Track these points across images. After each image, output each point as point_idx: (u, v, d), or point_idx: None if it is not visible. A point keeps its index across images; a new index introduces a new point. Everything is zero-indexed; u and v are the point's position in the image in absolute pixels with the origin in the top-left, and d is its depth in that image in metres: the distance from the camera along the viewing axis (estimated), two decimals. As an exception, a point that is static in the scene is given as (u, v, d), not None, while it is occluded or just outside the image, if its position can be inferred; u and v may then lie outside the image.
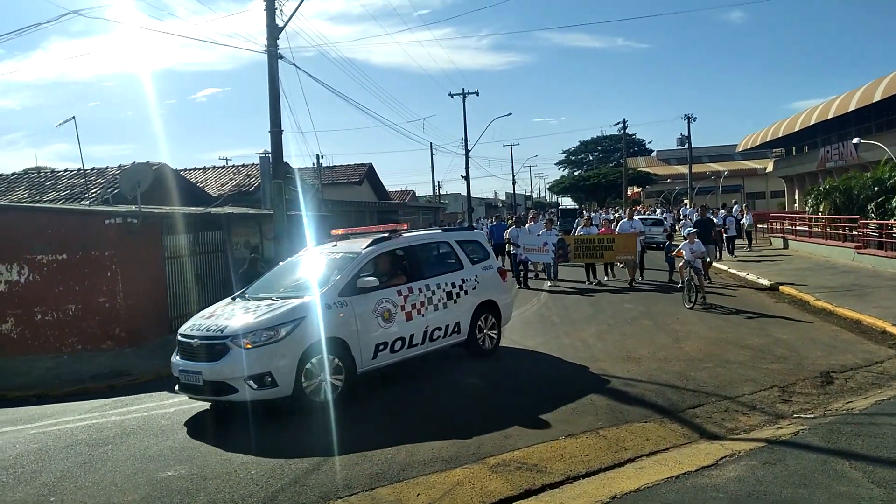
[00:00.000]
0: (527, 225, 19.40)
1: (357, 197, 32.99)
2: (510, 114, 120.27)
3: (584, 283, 16.84)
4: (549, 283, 17.14)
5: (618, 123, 60.38)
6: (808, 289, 13.47)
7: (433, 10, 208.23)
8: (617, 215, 26.79)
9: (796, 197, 46.26)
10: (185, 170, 24.64)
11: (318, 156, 25.17)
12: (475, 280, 9.37)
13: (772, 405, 6.77)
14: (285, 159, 17.41)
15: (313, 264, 8.74)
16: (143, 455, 6.37)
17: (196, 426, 7.27)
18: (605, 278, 17.45)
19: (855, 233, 19.07)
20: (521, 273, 17.34)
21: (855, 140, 32.66)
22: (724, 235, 21.99)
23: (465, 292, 9.14)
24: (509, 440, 6.08)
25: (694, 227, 15.39)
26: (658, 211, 36.92)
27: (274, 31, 16.57)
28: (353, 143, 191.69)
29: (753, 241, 25.99)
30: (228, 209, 18.00)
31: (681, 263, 12.92)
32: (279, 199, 16.69)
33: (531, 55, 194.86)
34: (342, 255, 8.51)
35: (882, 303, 11.37)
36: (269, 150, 20.55)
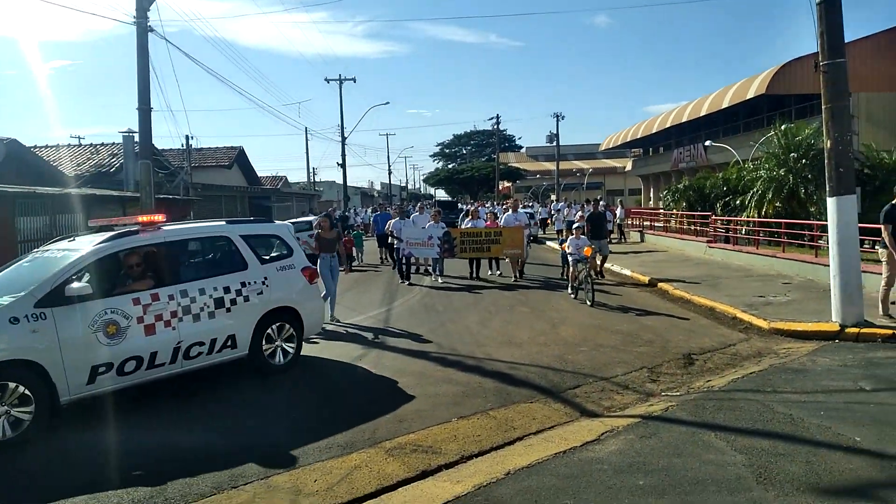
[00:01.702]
0: (412, 216, 18.65)
1: (226, 181, 31.72)
2: (388, 102, 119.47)
3: (469, 278, 16.27)
4: (432, 279, 16.37)
5: (491, 119, 62.14)
6: (668, 279, 14.55)
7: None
8: (503, 207, 26.25)
9: (651, 195, 49.69)
10: (36, 147, 22.53)
11: (187, 137, 23.96)
12: (263, 282, 7.96)
13: (642, 384, 7.30)
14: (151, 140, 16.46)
15: (26, 265, 7.34)
16: None
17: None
18: (490, 273, 16.99)
19: (707, 228, 20.81)
20: (405, 267, 16.40)
21: (706, 143, 35.58)
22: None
23: (246, 298, 7.72)
24: (403, 424, 6.16)
25: (587, 222, 15.37)
26: (533, 205, 38.27)
27: (143, 2, 15.56)
28: (223, 125, 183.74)
29: (624, 237, 27.67)
30: (89, 191, 16.69)
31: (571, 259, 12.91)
32: (147, 181, 15.74)
33: (406, 45, 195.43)
34: (62, 254, 7.00)
35: (732, 291, 12.52)
36: (135, 128, 19.40)
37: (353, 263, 20.41)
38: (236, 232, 8.16)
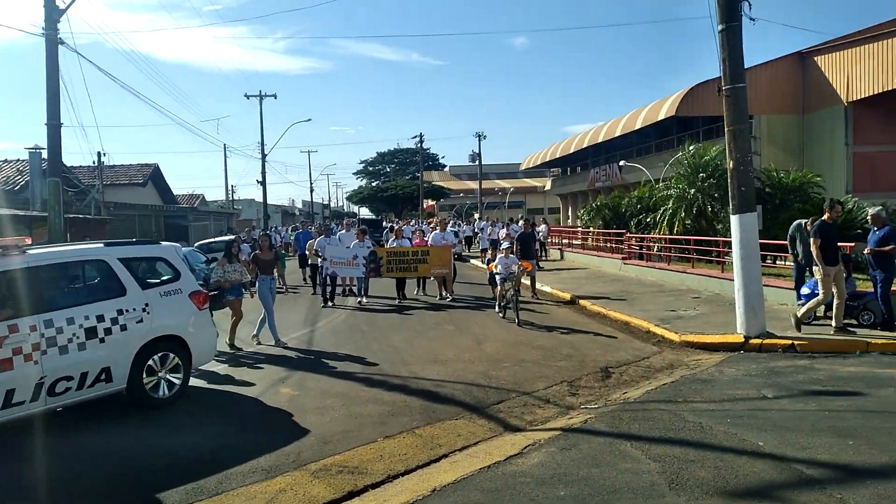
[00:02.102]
0: (337, 235, 18.01)
1: (141, 199, 30.59)
2: (309, 119, 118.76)
3: (396, 299, 15.66)
4: (357, 300, 15.72)
5: (415, 137, 62.51)
6: (586, 296, 15.03)
7: (225, 6, 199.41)
8: (431, 226, 25.60)
9: (570, 213, 51.17)
10: (-72, 162, 21.16)
11: (99, 153, 22.95)
12: (144, 310, 7.44)
13: (562, 398, 7.53)
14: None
15: None
16: None
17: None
18: (416, 292, 16.61)
19: (621, 245, 21.62)
20: (329, 288, 15.82)
21: (621, 163, 37.04)
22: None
23: (123, 327, 7.19)
24: (328, 445, 6.13)
25: (517, 241, 15.36)
26: (459, 223, 38.60)
27: (54, 12, 14.98)
28: (138, 142, 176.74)
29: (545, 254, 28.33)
30: (-10, 209, 15.79)
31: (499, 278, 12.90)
32: (56, 200, 15.08)
33: (328, 62, 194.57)
34: None
35: (645, 306, 13.06)
36: (42, 144, 18.52)
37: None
38: (114, 255, 7.57)
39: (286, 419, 7.03)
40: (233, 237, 24.69)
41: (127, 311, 7.30)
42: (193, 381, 8.37)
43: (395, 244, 16.71)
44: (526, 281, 15.52)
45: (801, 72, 30.15)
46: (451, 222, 30.42)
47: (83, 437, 6.73)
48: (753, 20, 10.05)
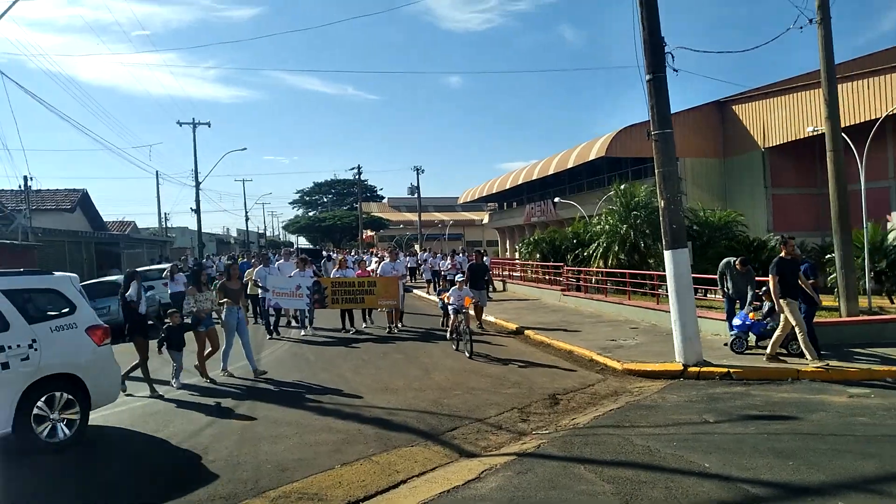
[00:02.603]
0: (276, 264, 17.52)
1: (69, 226, 29.44)
2: (244, 148, 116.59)
3: (342, 330, 15.38)
4: (302, 332, 15.19)
5: (353, 168, 62.71)
6: (527, 325, 15.35)
7: (154, 32, 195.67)
8: (375, 257, 24.82)
9: (507, 246, 52.06)
10: None
11: (26, 177, 22.09)
12: (31, 346, 6.85)
13: (514, 424, 7.69)
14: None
15: None
16: None
17: None
18: (364, 325, 16.17)
19: (560, 277, 22.17)
20: (273, 318, 15.44)
21: (555, 199, 38.08)
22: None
23: (5, 365, 6.59)
24: (286, 473, 6.09)
25: (468, 272, 15.39)
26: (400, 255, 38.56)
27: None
28: (65, 167, 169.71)
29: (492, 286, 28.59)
30: None
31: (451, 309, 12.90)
32: (-18, 224, 14.41)
33: (262, 92, 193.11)
34: None
35: (587, 336, 13.45)
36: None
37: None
38: None
39: (240, 447, 6.93)
40: (167, 266, 24.04)
41: (10, 347, 6.68)
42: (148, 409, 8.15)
43: (338, 274, 16.35)
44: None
45: (720, 119, 32.06)
46: (412, 254, 29.69)
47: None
48: (677, 71, 10.73)
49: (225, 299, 10.86)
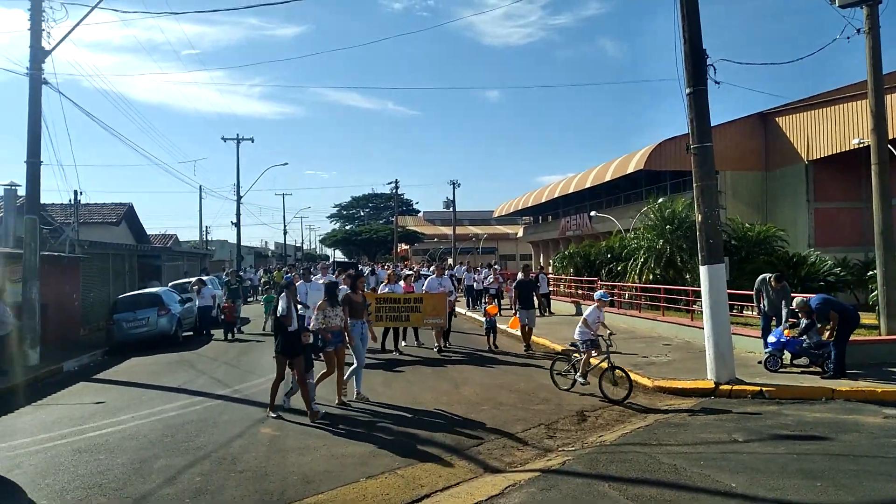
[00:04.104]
0: (315, 279, 15.89)
1: (114, 238, 30.30)
2: (286, 163, 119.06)
3: (383, 351, 14.23)
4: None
5: (390, 183, 63.33)
6: (559, 340, 15.23)
7: (203, 51, 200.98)
8: (411, 270, 21.94)
9: (541, 260, 51.77)
10: None
11: (76, 192, 22.88)
12: None
13: (541, 440, 7.67)
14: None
15: None
16: None
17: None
18: (404, 343, 15.05)
19: (594, 293, 21.98)
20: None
21: (591, 213, 37.80)
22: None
23: None
24: (311, 485, 6.19)
25: (515, 289, 14.46)
26: (430, 268, 38.63)
27: (39, 53, 15.20)
28: (113, 181, 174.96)
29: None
30: (-37, 245, 15.60)
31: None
32: (32, 237, 15.00)
33: (304, 108, 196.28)
34: None
35: (618, 352, 13.27)
36: (17, 181, 18.48)
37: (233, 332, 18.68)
38: None
39: (268, 458, 7.06)
40: (206, 278, 24.47)
41: None
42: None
43: (386, 289, 14.79)
44: (512, 330, 15.07)
45: (763, 131, 31.44)
46: (448, 267, 27.35)
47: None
48: (718, 83, 10.64)
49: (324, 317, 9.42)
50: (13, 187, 18.52)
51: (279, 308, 8.92)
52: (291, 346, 8.85)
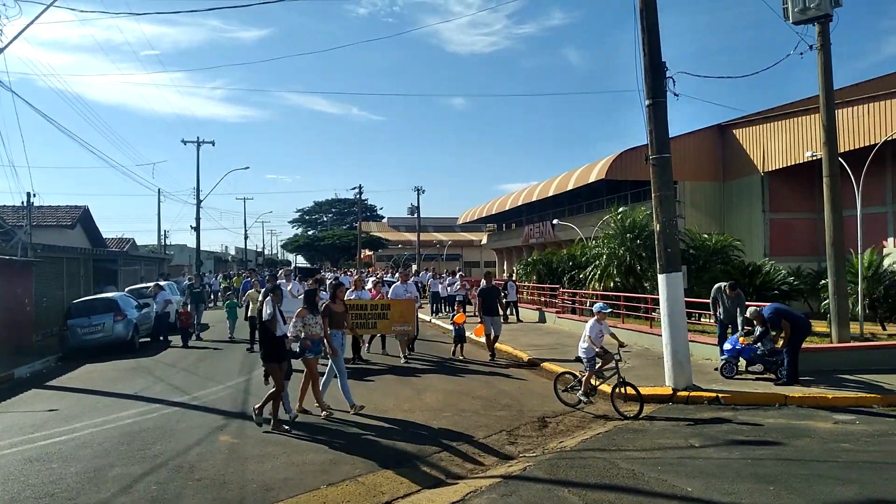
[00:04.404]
0: (288, 288, 14.54)
1: (69, 242, 29.48)
2: (247, 167, 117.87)
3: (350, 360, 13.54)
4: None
5: (354, 188, 63.04)
6: (521, 347, 15.35)
7: (163, 51, 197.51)
8: (375, 277, 22.13)
9: (505, 267, 52.09)
10: None
11: (29, 194, 22.24)
12: None
13: (502, 446, 7.72)
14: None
15: None
16: None
17: None
18: (367, 352, 14.91)
19: (555, 300, 22.21)
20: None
21: (554, 221, 38.21)
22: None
23: None
24: (271, 493, 6.12)
25: (479, 296, 14.43)
26: (394, 274, 38.49)
27: (-10, 51, 14.75)
28: (68, 184, 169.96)
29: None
30: None
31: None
32: (-19, 240, 14.50)
33: (267, 111, 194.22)
34: None
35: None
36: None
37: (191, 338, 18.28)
38: None
39: (226, 466, 6.95)
40: (164, 283, 24.01)
41: None
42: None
43: (353, 296, 14.28)
44: (476, 337, 15.12)
45: (721, 143, 32.25)
46: (413, 273, 27.29)
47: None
48: (677, 95, 10.89)
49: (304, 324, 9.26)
50: (-38, 188, 17.89)
51: (265, 313, 8.62)
52: (277, 352, 8.66)
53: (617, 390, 9.22)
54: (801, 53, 13.39)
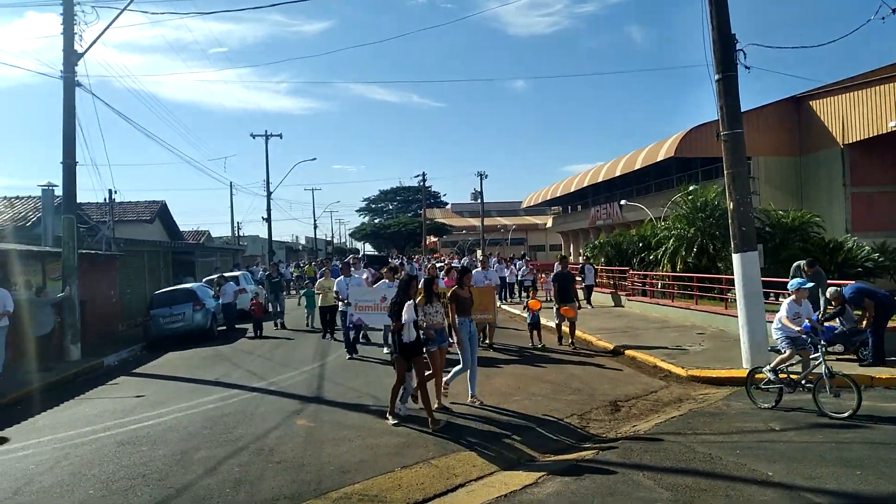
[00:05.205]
0: (364, 276, 14.88)
1: (148, 236, 30.88)
2: (314, 158, 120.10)
3: None
4: (385, 352, 13.23)
5: (417, 176, 63.24)
6: (591, 330, 15.19)
7: (230, 48, 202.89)
8: (453, 263, 21.09)
9: (571, 250, 51.44)
10: (-58, 200, 21.50)
11: (110, 191, 23.38)
12: None
13: (574, 430, 7.68)
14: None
15: None
16: None
17: None
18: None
19: (625, 282, 21.83)
20: (353, 337, 13.40)
21: (621, 202, 37.44)
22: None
23: None
24: (348, 475, 6.28)
25: (554, 282, 14.03)
26: (465, 259, 38.47)
27: (72, 56, 15.52)
28: (146, 180, 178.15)
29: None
30: (6, 245, 16.06)
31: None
32: (70, 236, 15.36)
33: (331, 103, 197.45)
34: None
35: (651, 342, 13.22)
36: (54, 181, 18.91)
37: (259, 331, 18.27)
38: None
39: (303, 449, 7.18)
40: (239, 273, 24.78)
41: None
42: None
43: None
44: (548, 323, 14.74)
45: (796, 116, 30.80)
46: (494, 259, 25.45)
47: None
48: (748, 68, 10.47)
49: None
50: (50, 187, 18.97)
51: (404, 319, 7.99)
52: (411, 347, 8.09)
53: (823, 383, 7.56)
54: (883, 18, 12.62)
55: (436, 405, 8.52)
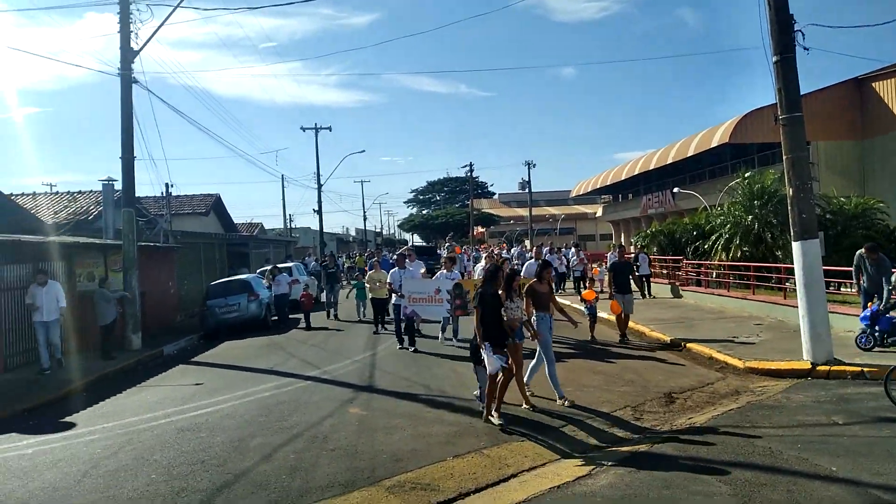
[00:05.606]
0: (422, 270, 14.65)
1: (203, 228, 31.72)
2: (363, 151, 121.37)
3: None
4: (440, 339, 13.41)
5: (465, 166, 63.27)
6: (644, 321, 14.93)
7: (279, 42, 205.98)
8: (503, 254, 21.33)
9: (622, 239, 50.65)
10: (13, 195, 22.46)
11: (167, 184, 24.10)
12: None
13: (627, 422, 7.56)
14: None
15: None
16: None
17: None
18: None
19: (678, 272, 21.39)
20: (403, 326, 13.23)
21: (674, 189, 36.64)
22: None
23: None
24: (400, 463, 6.34)
25: (610, 270, 13.64)
26: (514, 250, 38.25)
27: (128, 54, 15.97)
28: (199, 173, 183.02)
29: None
30: (71, 239, 16.72)
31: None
32: (130, 229, 15.87)
33: (379, 95, 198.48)
34: None
35: (706, 333, 12.93)
36: (114, 176, 19.57)
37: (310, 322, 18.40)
38: None
39: (357, 437, 7.27)
40: (292, 264, 25.15)
41: None
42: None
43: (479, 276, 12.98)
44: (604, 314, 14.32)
45: (858, 98, 29.56)
46: (546, 249, 25.02)
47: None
48: (807, 50, 10.05)
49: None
50: (110, 182, 19.64)
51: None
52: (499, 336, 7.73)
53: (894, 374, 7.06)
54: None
55: (523, 405, 8.24)
